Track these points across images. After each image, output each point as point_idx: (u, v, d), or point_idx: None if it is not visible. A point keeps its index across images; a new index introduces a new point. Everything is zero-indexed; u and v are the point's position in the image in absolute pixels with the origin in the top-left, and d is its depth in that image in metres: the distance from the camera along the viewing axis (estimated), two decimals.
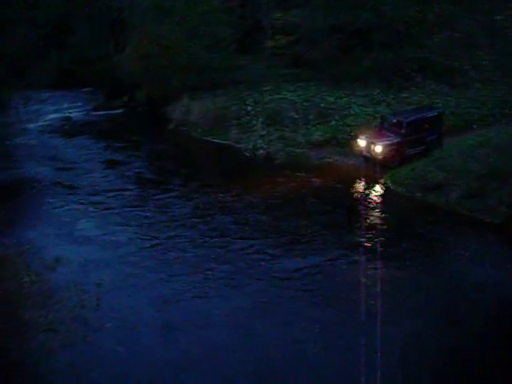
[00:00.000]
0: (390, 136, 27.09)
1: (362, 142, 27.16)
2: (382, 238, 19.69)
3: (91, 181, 28.13)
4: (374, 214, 22.40)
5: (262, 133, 30.99)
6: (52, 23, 62.21)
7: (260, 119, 32.10)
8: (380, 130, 27.84)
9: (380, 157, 26.29)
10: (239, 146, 30.94)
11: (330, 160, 28.17)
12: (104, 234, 21.69)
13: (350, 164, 27.51)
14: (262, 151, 29.52)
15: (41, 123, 43.83)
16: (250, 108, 33.39)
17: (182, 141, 34.30)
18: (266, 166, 28.33)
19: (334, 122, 31.17)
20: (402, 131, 26.85)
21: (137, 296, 16.86)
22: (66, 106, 50.33)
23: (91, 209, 24.45)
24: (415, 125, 27.09)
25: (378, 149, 26.43)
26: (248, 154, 29.50)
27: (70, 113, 47.28)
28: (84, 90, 55.62)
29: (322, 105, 32.75)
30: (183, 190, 25.86)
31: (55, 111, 47.97)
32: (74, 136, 39.13)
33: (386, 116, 28.91)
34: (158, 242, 20.92)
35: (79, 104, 50.96)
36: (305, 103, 32.88)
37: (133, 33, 44.11)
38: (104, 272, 18.00)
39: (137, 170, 29.36)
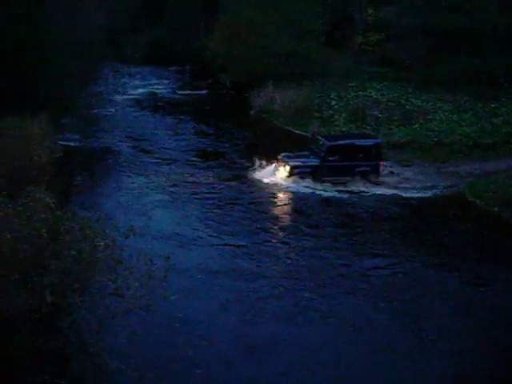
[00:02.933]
0: (309, 159, 25.46)
1: (280, 159, 25.49)
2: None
3: (170, 157, 28.71)
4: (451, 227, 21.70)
5: (343, 128, 30.81)
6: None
7: (343, 114, 31.93)
8: (308, 150, 26.15)
9: (288, 178, 24.77)
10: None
11: (409, 163, 27.68)
12: (177, 210, 22.29)
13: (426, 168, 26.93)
14: None
15: (127, 96, 44.87)
16: (333, 102, 33.26)
17: (263, 128, 34.52)
18: None
19: (417, 125, 30.64)
20: (322, 155, 25.01)
21: (205, 272, 17.30)
22: (153, 81, 51.56)
23: (167, 183, 25.02)
24: (341, 151, 25.10)
25: (286, 170, 24.87)
26: None
27: (156, 89, 48.24)
28: (172, 68, 56.78)
29: (407, 106, 32.27)
30: None
31: (142, 86, 49.16)
32: (158, 112, 40.01)
33: (317, 137, 27.19)
34: (231, 219, 21.39)
35: (166, 81, 52.08)
36: (389, 103, 32.48)
37: (223, 15, 44.49)
38: (174, 246, 18.54)
39: (218, 153, 29.70)
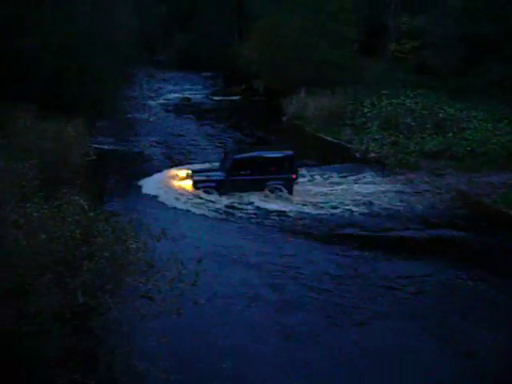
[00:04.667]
0: (216, 173, 24.60)
1: (188, 172, 24.86)
2: None
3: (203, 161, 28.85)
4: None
5: (376, 136, 30.68)
6: (179, 5, 64.40)
7: (375, 122, 31.80)
8: (221, 163, 25.24)
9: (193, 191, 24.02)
10: (351, 146, 30.80)
11: (442, 172, 27.39)
12: (209, 213, 22.42)
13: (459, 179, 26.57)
14: (373, 154, 29.22)
15: (161, 101, 45.43)
16: (366, 110, 33.13)
17: (295, 134, 34.60)
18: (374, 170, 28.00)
19: (450, 134, 30.28)
20: (227, 169, 24.11)
21: (235, 278, 17.37)
22: (186, 87, 52.12)
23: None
24: (249, 165, 24.04)
25: (188, 183, 24.29)
26: (358, 156, 29.28)
27: (189, 94, 48.71)
28: (205, 73, 57.29)
29: (441, 115, 31.91)
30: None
31: (176, 91, 49.74)
32: (191, 118, 40.31)
33: (228, 151, 26.61)
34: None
35: (199, 87, 52.59)
36: (423, 111, 32.18)
37: (256, 22, 44.76)
38: (205, 250, 18.66)
39: None
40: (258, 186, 23.89)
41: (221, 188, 23.86)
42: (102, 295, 12.24)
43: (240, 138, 34.89)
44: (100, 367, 12.52)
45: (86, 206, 12.94)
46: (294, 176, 24.16)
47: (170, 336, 12.86)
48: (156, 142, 33.13)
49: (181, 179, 24.89)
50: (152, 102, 44.34)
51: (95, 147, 27.85)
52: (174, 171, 26.32)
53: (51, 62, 29.51)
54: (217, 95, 49.04)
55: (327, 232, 21.05)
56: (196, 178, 24.24)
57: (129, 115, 38.63)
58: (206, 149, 31.82)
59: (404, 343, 14.48)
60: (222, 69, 54.21)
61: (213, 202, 23.32)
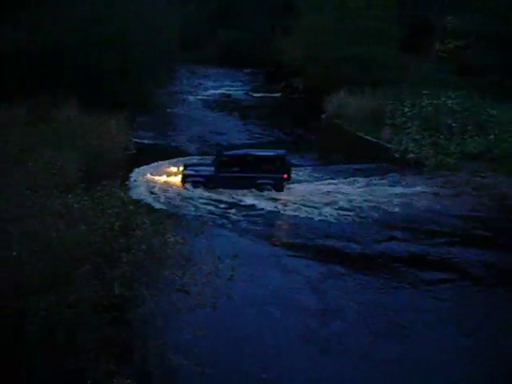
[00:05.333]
0: (206, 168, 24.57)
1: (182, 168, 24.86)
2: None
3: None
4: None
5: (416, 136, 30.30)
6: (221, 2, 64.63)
7: (415, 122, 31.40)
8: (213, 159, 25.10)
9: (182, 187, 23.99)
10: (390, 146, 30.51)
11: (482, 175, 26.94)
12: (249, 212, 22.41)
13: (500, 182, 26.10)
14: (412, 155, 28.86)
15: (201, 97, 45.66)
16: (406, 109, 32.71)
17: (334, 133, 34.52)
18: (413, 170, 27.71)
19: (492, 136, 29.72)
20: (216, 165, 24.24)
21: (271, 276, 17.36)
22: (226, 83, 52.30)
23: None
24: (238, 162, 24.04)
25: (178, 179, 24.29)
26: (397, 156, 28.97)
27: (230, 90, 48.87)
28: (245, 70, 57.38)
29: (483, 116, 31.35)
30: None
31: (216, 87, 49.92)
32: (231, 114, 40.44)
33: (221, 147, 26.40)
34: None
35: (239, 83, 52.71)
36: (464, 112, 31.65)
37: (299, 19, 44.66)
38: (243, 244, 18.75)
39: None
40: (246, 184, 23.89)
41: (209, 183, 23.95)
42: (138, 287, 12.41)
43: (278, 135, 34.89)
44: (135, 359, 12.69)
45: (125, 199, 13.12)
46: (284, 176, 24.06)
47: (205, 330, 12.95)
48: (194, 137, 33.34)
49: (173, 174, 25.18)
50: (192, 98, 44.61)
51: (135, 141, 28.17)
52: (168, 165, 26.50)
53: (94, 58, 30.04)
54: (257, 92, 49.11)
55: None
56: (186, 172, 24.44)
57: (169, 110, 38.96)
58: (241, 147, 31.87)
59: None
60: (263, 65, 54.24)
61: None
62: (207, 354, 13.00)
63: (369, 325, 14.93)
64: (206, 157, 27.18)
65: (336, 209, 22.57)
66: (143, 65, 32.99)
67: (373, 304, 15.93)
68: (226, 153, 24.80)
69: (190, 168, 24.75)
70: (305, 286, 16.79)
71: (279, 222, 22.24)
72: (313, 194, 24.03)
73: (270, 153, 24.51)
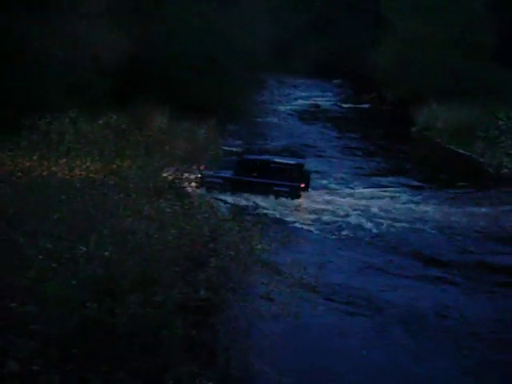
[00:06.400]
0: (226, 171, 24.39)
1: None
2: None
3: (329, 169, 28.79)
4: None
5: (510, 151, 29.34)
6: (315, 12, 64.77)
7: (510, 136, 30.42)
8: (233, 163, 25.10)
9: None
10: (482, 160, 29.65)
11: None
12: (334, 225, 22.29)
13: None
14: (506, 170, 27.94)
15: (290, 106, 45.89)
16: (500, 122, 31.80)
17: (424, 146, 33.96)
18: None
19: None
20: (235, 168, 24.43)
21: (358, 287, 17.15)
22: (315, 93, 52.35)
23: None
24: (256, 167, 24.18)
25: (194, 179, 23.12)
26: (491, 171, 28.11)
27: (319, 101, 48.88)
28: (335, 81, 57.22)
29: None
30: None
31: (305, 97, 50.01)
32: (319, 124, 40.43)
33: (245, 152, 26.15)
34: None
35: (328, 94, 52.64)
36: None
37: (390, 31, 44.14)
38: (329, 256, 18.71)
39: (379, 170, 29.48)
40: (263, 189, 23.96)
41: (226, 186, 24.14)
42: (224, 292, 12.62)
43: (367, 147, 34.57)
44: (217, 362, 12.87)
45: (214, 205, 13.42)
46: (301, 185, 24.25)
47: (286, 338, 12.99)
48: (281, 147, 33.54)
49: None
50: (281, 107, 44.91)
51: (224, 149, 28.64)
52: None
53: (186, 68, 30.81)
54: (346, 102, 48.90)
55: None
56: (204, 173, 24.15)
57: (258, 119, 39.40)
58: (331, 161, 31.72)
59: None
60: (353, 76, 53.94)
61: None
62: (287, 362, 13.02)
63: None
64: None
65: None
66: (233, 75, 33.53)
67: None
68: (245, 157, 25.37)
69: (210, 170, 24.85)
70: None
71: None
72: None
73: (289, 161, 24.99)
